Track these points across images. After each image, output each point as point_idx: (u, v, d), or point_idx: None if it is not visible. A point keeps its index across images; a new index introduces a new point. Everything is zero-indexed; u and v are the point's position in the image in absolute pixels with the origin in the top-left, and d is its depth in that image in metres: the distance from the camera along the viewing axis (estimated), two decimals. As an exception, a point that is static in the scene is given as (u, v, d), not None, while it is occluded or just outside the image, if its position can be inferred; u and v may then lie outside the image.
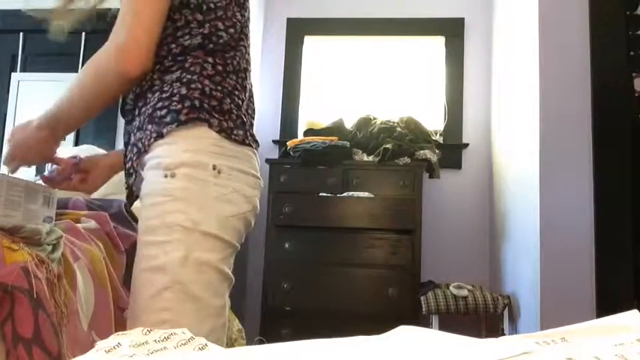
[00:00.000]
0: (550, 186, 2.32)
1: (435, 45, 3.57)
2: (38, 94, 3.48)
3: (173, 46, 1.08)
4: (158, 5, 1.04)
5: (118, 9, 1.11)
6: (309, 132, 3.19)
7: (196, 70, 1.06)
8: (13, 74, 3.50)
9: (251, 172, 1.08)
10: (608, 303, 2.18)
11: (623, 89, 2.32)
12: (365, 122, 3.22)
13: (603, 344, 0.47)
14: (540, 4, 2.43)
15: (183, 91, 1.04)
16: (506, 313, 2.70)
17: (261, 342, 2.79)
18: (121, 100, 1.17)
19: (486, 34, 3.48)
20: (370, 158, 3.02)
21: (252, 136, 1.12)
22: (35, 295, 0.98)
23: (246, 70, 1.16)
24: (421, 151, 2.99)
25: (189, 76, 1.05)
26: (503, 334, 2.68)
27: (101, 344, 0.52)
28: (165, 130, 1.01)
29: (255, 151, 1.12)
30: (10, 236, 1.01)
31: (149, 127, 1.04)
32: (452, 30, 3.51)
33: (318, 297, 2.78)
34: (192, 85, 1.04)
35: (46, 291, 1.04)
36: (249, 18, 1.19)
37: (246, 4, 1.17)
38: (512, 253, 2.78)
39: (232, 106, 1.07)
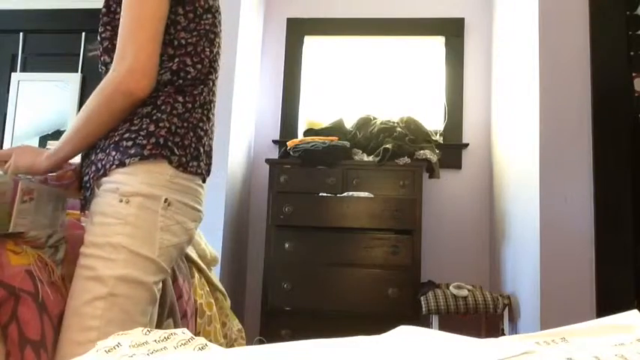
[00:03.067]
0: (550, 186, 2.32)
1: (435, 45, 3.57)
2: (38, 94, 3.48)
3: None
4: (155, 27, 1.10)
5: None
6: (309, 132, 3.19)
7: (167, 109, 1.15)
8: (13, 74, 3.51)
9: (194, 207, 1.18)
10: (608, 303, 2.18)
11: (623, 89, 2.32)
12: (365, 122, 3.22)
13: (603, 344, 0.47)
14: (540, 4, 2.43)
15: (152, 128, 1.12)
16: (506, 313, 2.70)
17: (261, 342, 2.79)
18: None
19: (486, 34, 3.48)
20: (370, 158, 3.02)
21: (206, 165, 1.22)
22: (41, 299, 0.99)
23: (212, 102, 1.24)
24: (421, 151, 2.99)
25: (159, 115, 1.14)
26: (503, 334, 2.68)
27: (101, 344, 0.52)
28: (127, 161, 1.09)
29: (203, 183, 1.21)
30: (13, 239, 1.01)
31: (113, 153, 1.11)
32: (452, 30, 3.51)
33: (318, 297, 2.78)
34: (161, 124, 1.13)
35: (50, 293, 1.04)
36: (219, 53, 1.27)
37: (215, 40, 1.25)
38: (512, 253, 2.78)
39: (193, 139, 1.17)
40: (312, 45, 3.66)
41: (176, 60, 1.16)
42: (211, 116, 1.24)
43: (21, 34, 3.55)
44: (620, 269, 2.21)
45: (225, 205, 2.89)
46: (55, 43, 3.55)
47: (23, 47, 3.55)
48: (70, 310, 1.04)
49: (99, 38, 1.20)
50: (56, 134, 3.44)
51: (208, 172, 1.24)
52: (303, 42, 3.61)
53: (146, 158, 1.09)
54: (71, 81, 3.39)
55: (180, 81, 1.16)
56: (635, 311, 0.53)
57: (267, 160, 3.08)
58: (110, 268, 1.05)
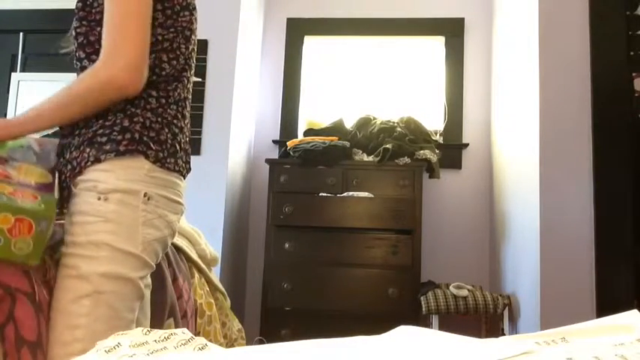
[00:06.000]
0: (550, 186, 2.32)
1: (435, 45, 3.57)
2: (38, 94, 3.47)
3: None
4: (143, 22, 1.10)
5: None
6: (309, 132, 3.19)
7: (140, 103, 1.14)
8: (13, 74, 3.50)
9: (175, 199, 1.17)
10: (608, 303, 2.18)
11: (623, 89, 2.32)
12: (365, 122, 3.22)
13: (603, 344, 0.47)
14: (540, 4, 2.43)
15: (126, 123, 1.11)
16: (506, 313, 2.70)
17: (261, 342, 2.79)
18: None
19: (486, 34, 3.48)
20: (370, 158, 3.02)
21: (185, 162, 1.20)
22: (37, 299, 0.99)
23: (186, 99, 1.24)
24: (421, 151, 2.99)
25: (132, 109, 1.13)
26: (503, 334, 2.68)
27: (101, 344, 0.52)
28: (103, 157, 1.08)
29: (182, 177, 1.20)
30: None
31: (87, 149, 1.10)
32: (452, 30, 3.51)
33: (318, 297, 2.78)
34: (135, 119, 1.12)
35: (45, 294, 1.04)
36: (194, 50, 1.27)
37: (191, 37, 1.24)
38: (512, 253, 2.78)
39: (169, 135, 1.16)
40: (312, 45, 3.66)
41: (152, 56, 1.15)
42: (186, 113, 1.23)
43: (21, 34, 3.55)
44: (620, 269, 2.21)
45: (225, 205, 2.89)
46: (55, 43, 3.54)
47: (23, 47, 3.55)
48: (55, 310, 1.03)
49: (74, 33, 1.18)
50: (56, 134, 3.44)
51: (188, 170, 1.23)
52: (303, 42, 3.61)
53: (122, 154, 1.08)
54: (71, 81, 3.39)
55: (155, 77, 1.15)
56: (635, 311, 0.53)
57: (267, 160, 3.08)
58: (93, 265, 1.04)
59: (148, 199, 1.09)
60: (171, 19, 1.18)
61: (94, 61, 1.14)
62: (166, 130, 1.15)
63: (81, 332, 1.01)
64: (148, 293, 1.24)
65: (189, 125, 1.26)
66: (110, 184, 1.07)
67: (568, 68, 2.36)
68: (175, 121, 1.18)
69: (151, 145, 1.11)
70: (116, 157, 1.08)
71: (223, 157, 2.92)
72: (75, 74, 1.21)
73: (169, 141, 1.15)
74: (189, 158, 1.24)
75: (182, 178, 1.20)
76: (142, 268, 1.10)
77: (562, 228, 2.28)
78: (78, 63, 1.19)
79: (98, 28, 1.14)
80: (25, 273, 0.99)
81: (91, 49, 1.15)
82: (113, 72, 1.07)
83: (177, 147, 1.18)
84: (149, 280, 1.20)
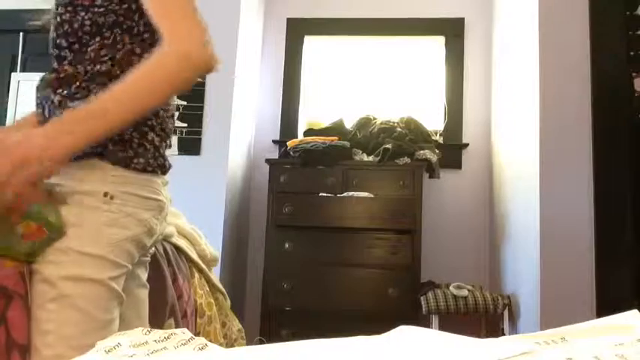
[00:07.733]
0: (550, 186, 2.32)
1: (435, 45, 3.57)
2: (38, 94, 3.47)
3: (89, 68, 1.07)
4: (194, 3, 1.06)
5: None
6: (309, 132, 3.19)
7: None
8: (13, 74, 3.50)
9: (148, 196, 1.09)
10: (608, 303, 2.18)
11: (623, 89, 2.32)
12: (365, 122, 3.22)
13: (603, 344, 0.47)
14: (540, 4, 2.43)
15: None
16: (506, 313, 2.70)
17: (261, 342, 2.79)
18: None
19: (486, 34, 3.48)
20: (370, 158, 3.02)
21: (160, 160, 1.11)
22: (30, 302, 0.98)
23: None
24: (421, 151, 2.99)
25: None
26: (503, 334, 2.68)
27: (101, 344, 0.52)
28: None
29: (160, 175, 1.12)
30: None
31: None
32: (452, 30, 3.51)
33: (318, 297, 2.78)
34: None
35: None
36: None
37: None
38: (512, 253, 2.78)
39: (134, 135, 1.07)
40: (312, 45, 3.66)
41: (127, 47, 1.08)
42: (160, 111, 1.14)
43: (21, 34, 3.55)
44: (620, 269, 2.21)
45: (225, 205, 2.89)
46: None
47: (23, 47, 3.55)
48: (31, 317, 1.00)
49: (58, 19, 1.10)
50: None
51: (166, 166, 1.14)
52: (303, 42, 3.61)
53: (76, 158, 1.01)
54: (71, 81, 3.39)
55: (119, 72, 1.05)
56: (635, 311, 0.53)
57: (267, 160, 3.08)
58: (56, 269, 1.00)
59: (111, 198, 1.03)
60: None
61: (74, 51, 1.09)
62: (130, 130, 1.06)
63: (51, 338, 0.97)
64: (144, 293, 1.22)
65: (165, 123, 1.17)
66: (67, 187, 1.02)
67: (568, 68, 2.36)
68: (141, 120, 1.08)
69: (109, 145, 1.04)
70: (70, 161, 1.01)
71: (223, 157, 2.92)
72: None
73: (135, 140, 1.07)
74: (164, 155, 1.15)
75: (158, 175, 1.12)
76: (111, 269, 1.03)
77: (562, 228, 2.28)
78: (56, 50, 1.12)
79: (82, 14, 1.07)
80: (21, 275, 0.99)
81: (74, 39, 1.09)
82: (196, 48, 1.01)
83: (148, 145, 1.10)
84: (144, 279, 1.18)
